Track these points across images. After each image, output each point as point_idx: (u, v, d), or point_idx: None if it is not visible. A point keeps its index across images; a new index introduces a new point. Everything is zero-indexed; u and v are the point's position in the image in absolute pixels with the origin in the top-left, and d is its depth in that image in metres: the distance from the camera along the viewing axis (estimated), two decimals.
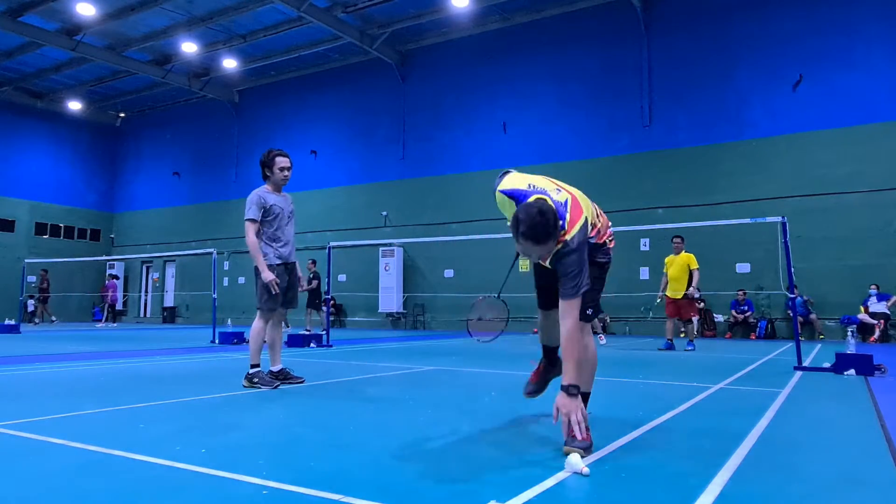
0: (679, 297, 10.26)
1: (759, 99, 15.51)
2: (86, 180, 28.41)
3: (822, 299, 14.22)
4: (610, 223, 3.61)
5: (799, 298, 14.03)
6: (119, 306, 26.98)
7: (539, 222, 2.79)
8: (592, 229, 3.21)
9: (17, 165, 26.02)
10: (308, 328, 13.88)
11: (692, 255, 10.40)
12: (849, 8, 14.68)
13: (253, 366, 5.19)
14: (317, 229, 21.90)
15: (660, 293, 10.74)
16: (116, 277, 22.41)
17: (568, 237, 2.97)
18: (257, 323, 5.30)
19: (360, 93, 22.11)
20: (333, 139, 22.58)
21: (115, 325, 21.36)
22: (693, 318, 10.68)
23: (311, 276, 14.70)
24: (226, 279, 23.45)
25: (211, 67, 23.38)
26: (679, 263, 10.27)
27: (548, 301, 3.50)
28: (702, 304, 15.41)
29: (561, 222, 2.94)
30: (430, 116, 20.50)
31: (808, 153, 14.81)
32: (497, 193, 3.17)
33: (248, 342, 5.39)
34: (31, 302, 24.51)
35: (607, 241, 3.51)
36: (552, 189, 3.08)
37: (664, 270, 10.64)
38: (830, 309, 14.25)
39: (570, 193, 3.15)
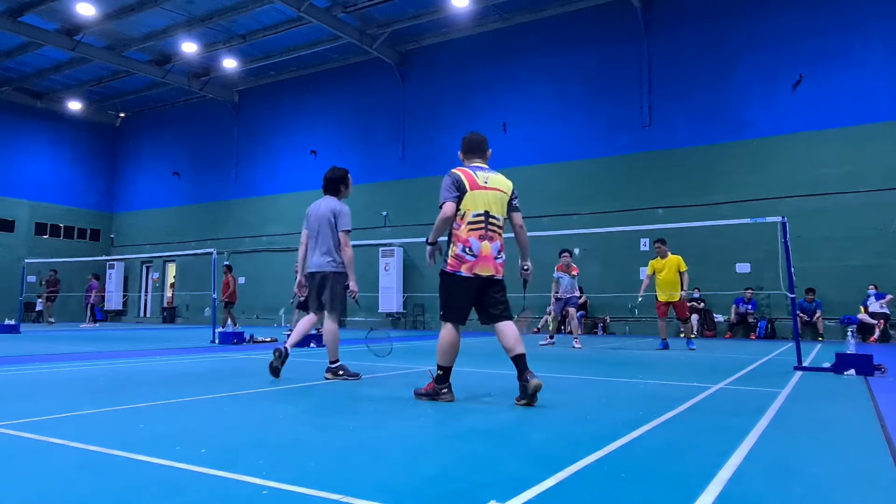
0: (675, 299, 10.39)
1: (759, 99, 15.51)
2: (86, 180, 28.41)
3: (822, 299, 14.22)
4: (476, 247, 4.33)
5: (818, 301, 14.08)
6: (117, 305, 27.00)
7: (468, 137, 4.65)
8: (457, 198, 4.35)
9: (17, 165, 26.01)
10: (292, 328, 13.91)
11: (679, 256, 10.54)
12: (849, 8, 14.69)
13: (334, 361, 5.71)
14: None
15: (640, 293, 10.98)
16: (97, 277, 22.16)
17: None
18: (333, 324, 5.73)
19: (359, 93, 22.11)
20: (333, 139, 22.58)
21: (95, 325, 21.06)
22: (690, 317, 10.76)
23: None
24: None
25: (211, 67, 23.38)
26: (671, 267, 10.40)
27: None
28: (702, 305, 15.42)
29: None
30: (429, 116, 20.49)
31: (808, 153, 14.81)
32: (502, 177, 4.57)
33: (288, 339, 5.84)
34: (39, 301, 24.51)
35: (456, 253, 4.37)
36: (480, 171, 4.45)
37: (649, 273, 10.75)
38: (830, 309, 14.25)
39: (471, 176, 4.39)
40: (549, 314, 11.80)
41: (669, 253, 10.51)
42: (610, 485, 2.39)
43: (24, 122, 26.25)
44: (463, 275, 4.32)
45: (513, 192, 4.50)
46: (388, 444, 3.09)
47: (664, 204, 16.18)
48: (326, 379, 5.67)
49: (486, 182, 4.37)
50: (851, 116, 14.46)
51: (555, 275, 11.60)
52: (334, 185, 5.88)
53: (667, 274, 10.40)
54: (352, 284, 5.68)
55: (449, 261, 4.37)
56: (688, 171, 16.16)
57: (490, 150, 4.62)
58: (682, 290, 10.32)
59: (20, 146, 26.14)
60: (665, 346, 10.48)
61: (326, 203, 5.80)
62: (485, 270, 4.32)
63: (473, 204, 4.31)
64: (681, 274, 10.35)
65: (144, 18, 19.57)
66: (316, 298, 5.77)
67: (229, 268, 16.85)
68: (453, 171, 4.42)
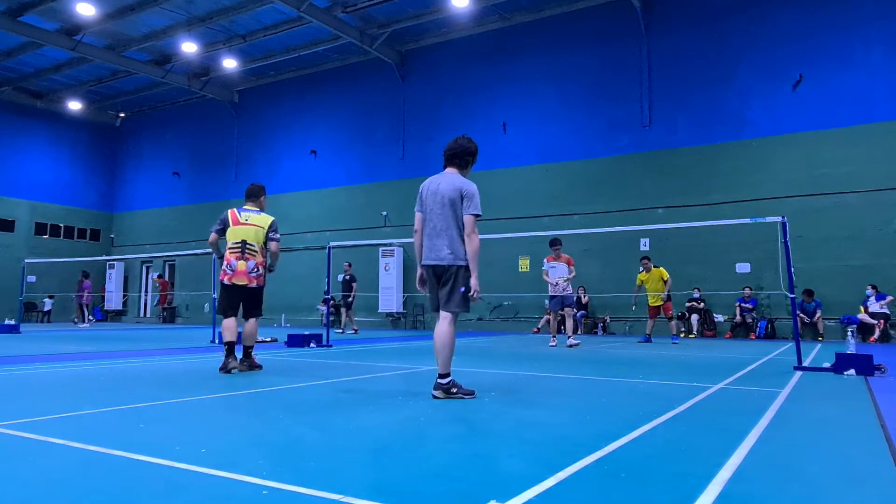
0: (660, 303, 12.37)
1: (759, 99, 15.51)
2: (86, 180, 28.41)
3: (822, 299, 14.22)
4: (235, 264, 6.37)
5: (817, 301, 14.11)
6: (117, 305, 26.98)
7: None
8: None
9: (17, 165, 26.01)
10: (354, 328, 16.11)
11: (662, 268, 12.50)
12: (848, 8, 14.69)
13: (445, 375, 4.57)
14: (317, 229, 21.92)
15: (634, 299, 13.12)
16: (88, 276, 22.02)
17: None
18: (450, 328, 4.61)
19: (359, 93, 22.11)
20: (333, 139, 22.58)
21: (87, 325, 20.99)
22: (674, 316, 12.79)
23: (349, 277, 16.09)
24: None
25: (211, 67, 23.38)
26: (655, 278, 12.39)
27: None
28: (702, 305, 15.43)
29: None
30: (429, 116, 20.49)
31: (808, 153, 14.81)
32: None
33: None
34: (48, 301, 24.53)
35: (223, 268, 6.38)
36: (244, 212, 6.51)
37: (638, 284, 12.71)
38: (830, 309, 14.25)
39: (235, 216, 6.46)
40: (548, 313, 11.49)
41: (653, 267, 12.44)
42: (610, 485, 2.39)
43: (24, 122, 26.24)
44: (226, 283, 6.30)
45: (269, 226, 6.50)
46: (388, 443, 3.09)
47: (664, 204, 16.18)
48: (435, 398, 4.53)
49: (246, 220, 6.42)
50: (851, 116, 14.46)
51: (545, 266, 11.29)
52: (466, 157, 4.78)
53: (652, 285, 12.41)
54: (473, 281, 4.57)
55: (220, 274, 6.35)
56: (688, 171, 16.16)
57: (264, 197, 6.65)
58: (666, 292, 12.39)
59: (20, 146, 26.13)
60: (647, 340, 12.42)
61: (450, 179, 4.68)
62: (240, 281, 6.30)
63: (232, 235, 6.35)
64: (664, 282, 12.30)
65: (144, 18, 19.58)
66: (437, 296, 4.73)
67: None
68: (227, 210, 6.50)
